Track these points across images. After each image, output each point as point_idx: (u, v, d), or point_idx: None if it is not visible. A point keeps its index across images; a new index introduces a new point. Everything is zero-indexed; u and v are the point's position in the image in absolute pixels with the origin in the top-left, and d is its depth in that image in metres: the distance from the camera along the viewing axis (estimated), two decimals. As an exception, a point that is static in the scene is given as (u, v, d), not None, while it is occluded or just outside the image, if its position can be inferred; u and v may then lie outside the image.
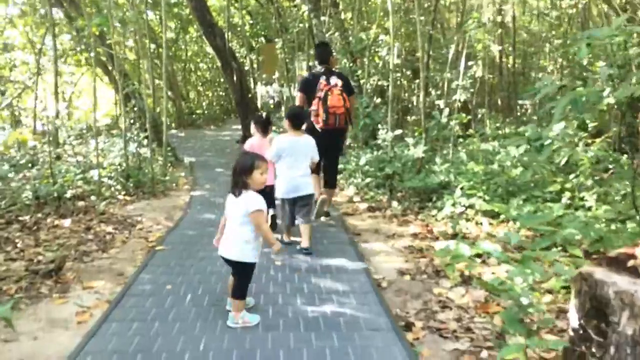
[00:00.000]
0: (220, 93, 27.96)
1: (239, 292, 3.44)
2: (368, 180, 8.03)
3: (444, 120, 8.01)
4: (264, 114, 6.16)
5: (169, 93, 21.62)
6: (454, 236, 5.53)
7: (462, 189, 6.52)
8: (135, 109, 10.74)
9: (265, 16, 20.80)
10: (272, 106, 16.10)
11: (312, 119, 5.83)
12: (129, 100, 10.81)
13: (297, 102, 6.07)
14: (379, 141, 9.41)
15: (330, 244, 5.30)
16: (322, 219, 6.23)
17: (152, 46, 19.65)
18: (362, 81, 12.02)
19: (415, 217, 6.54)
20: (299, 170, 5.00)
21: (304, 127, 5.22)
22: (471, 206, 6.27)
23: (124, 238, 5.60)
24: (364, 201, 7.55)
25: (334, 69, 6.17)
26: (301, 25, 12.84)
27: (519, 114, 15.23)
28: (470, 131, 7.23)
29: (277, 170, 5.11)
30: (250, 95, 14.74)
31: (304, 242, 4.99)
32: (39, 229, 5.78)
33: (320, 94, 5.76)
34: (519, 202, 5.82)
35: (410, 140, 8.21)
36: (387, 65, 13.85)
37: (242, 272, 3.45)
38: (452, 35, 15.09)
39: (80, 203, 6.97)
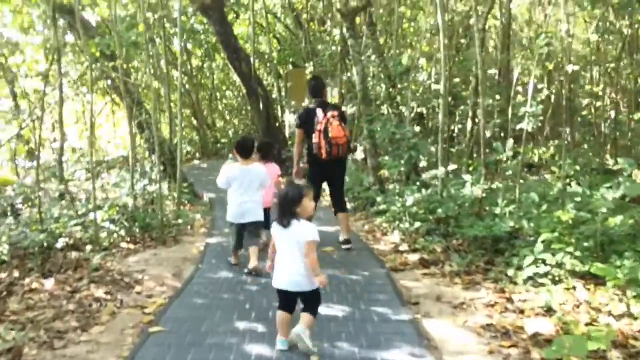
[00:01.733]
0: (247, 122, 27.06)
1: (316, 311, 3.47)
2: (417, 224, 6.70)
3: (508, 153, 6.67)
4: (265, 141, 6.73)
5: (194, 122, 20.76)
6: (547, 310, 4.17)
7: (544, 242, 5.14)
8: (152, 140, 9.66)
9: (294, 42, 19.94)
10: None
11: (315, 151, 5.92)
12: (144, 131, 9.75)
13: (297, 139, 6.26)
14: (425, 177, 8.12)
15: (382, 322, 3.96)
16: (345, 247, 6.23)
17: (176, 74, 18.91)
18: (402, 108, 10.82)
19: (483, 277, 5.18)
20: (248, 197, 5.37)
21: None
22: (559, 265, 4.90)
23: (114, 308, 4.37)
24: (413, 251, 6.22)
25: (327, 101, 6.31)
26: (334, 48, 11.74)
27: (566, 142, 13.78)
28: (554, 170, 5.87)
29: (228, 196, 5.50)
30: (277, 125, 13.64)
31: (252, 263, 5.20)
32: (12, 294, 4.61)
33: (320, 126, 5.85)
34: (630, 262, 4.41)
35: (467, 177, 6.90)
36: (426, 91, 12.66)
37: (315, 296, 3.45)
38: (499, 56, 13.84)
39: (74, 254, 5.80)
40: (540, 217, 6.10)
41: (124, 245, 6.43)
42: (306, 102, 15.22)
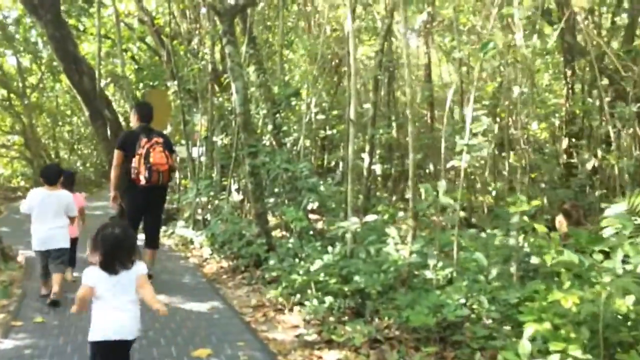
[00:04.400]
0: (99, 151, 23.66)
1: None
2: (329, 300, 4.75)
3: (443, 199, 5.01)
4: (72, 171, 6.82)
5: (26, 152, 17.20)
6: None
7: (534, 339, 3.43)
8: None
9: (155, 62, 17.50)
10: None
11: (133, 176, 5.65)
12: None
13: (115, 161, 5.83)
14: (332, 230, 6.30)
15: None
16: None
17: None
18: (287, 139, 9.00)
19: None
20: (51, 223, 5.21)
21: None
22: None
23: None
24: (327, 343, 4.26)
25: (152, 127, 6.02)
26: (203, 63, 9.62)
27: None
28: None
29: (31, 223, 5.27)
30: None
31: (54, 288, 5.07)
32: None
33: (142, 151, 5.60)
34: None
35: (392, 232, 5.12)
36: (310, 121, 11.01)
37: None
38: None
39: None
40: (491, 287, 4.51)
41: None
42: (169, 128, 12.86)
